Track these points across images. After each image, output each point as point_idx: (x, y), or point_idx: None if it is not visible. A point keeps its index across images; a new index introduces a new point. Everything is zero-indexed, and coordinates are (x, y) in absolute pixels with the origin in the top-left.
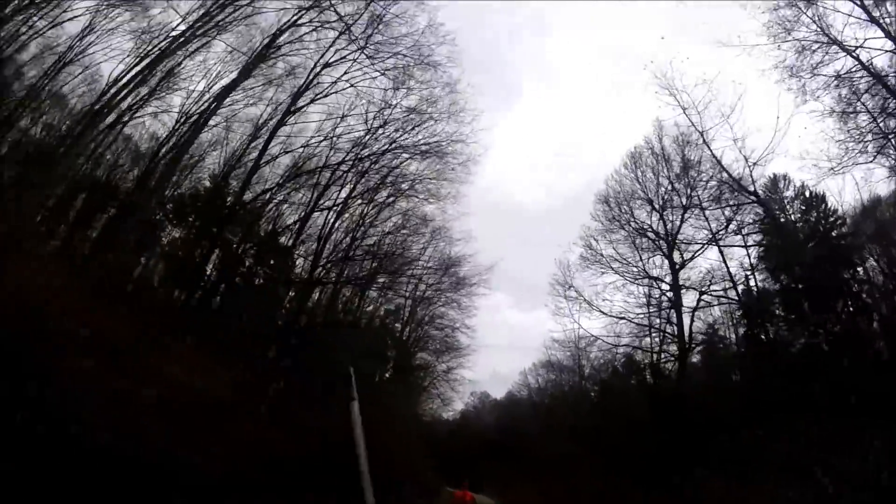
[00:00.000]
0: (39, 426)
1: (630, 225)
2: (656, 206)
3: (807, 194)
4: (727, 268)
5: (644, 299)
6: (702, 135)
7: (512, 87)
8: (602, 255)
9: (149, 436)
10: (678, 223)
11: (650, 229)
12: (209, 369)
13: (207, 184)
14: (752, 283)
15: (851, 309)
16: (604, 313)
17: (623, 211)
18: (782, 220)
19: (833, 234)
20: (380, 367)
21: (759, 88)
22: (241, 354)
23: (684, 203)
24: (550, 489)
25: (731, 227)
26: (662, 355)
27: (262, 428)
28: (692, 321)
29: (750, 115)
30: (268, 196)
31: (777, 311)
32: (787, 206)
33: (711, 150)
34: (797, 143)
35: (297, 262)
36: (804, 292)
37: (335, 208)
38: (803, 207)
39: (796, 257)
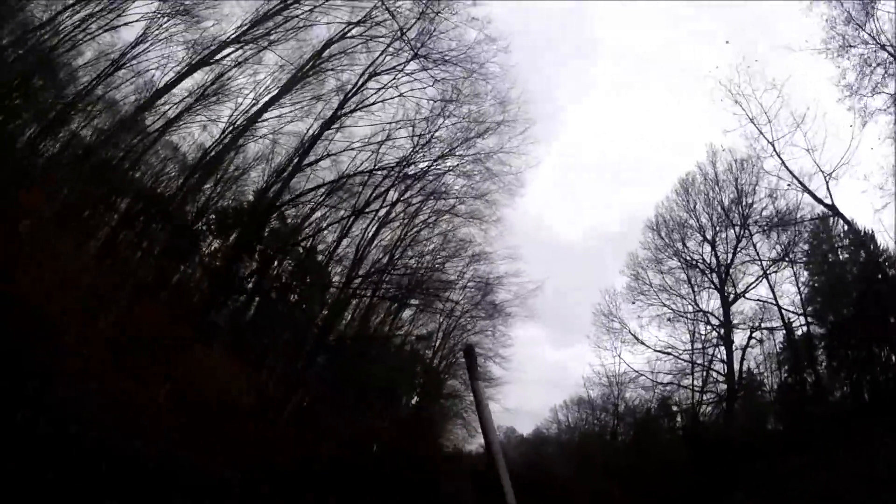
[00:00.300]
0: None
1: (681, 256)
2: (707, 237)
3: (857, 231)
4: (778, 306)
5: (689, 336)
6: (772, 145)
7: (554, 115)
8: (650, 284)
9: (152, 434)
10: (730, 255)
11: (701, 260)
12: (235, 374)
13: (250, 197)
14: (799, 322)
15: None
16: (648, 347)
17: (673, 240)
18: (830, 258)
19: (880, 275)
20: (408, 390)
21: (828, 96)
22: (270, 363)
23: (738, 233)
24: None
25: (785, 260)
26: (706, 395)
27: (283, 431)
28: (742, 360)
29: (818, 126)
30: (308, 209)
31: (820, 356)
32: (836, 244)
33: (782, 160)
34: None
35: (332, 277)
36: (848, 336)
37: (377, 219)
38: (852, 247)
39: (843, 298)
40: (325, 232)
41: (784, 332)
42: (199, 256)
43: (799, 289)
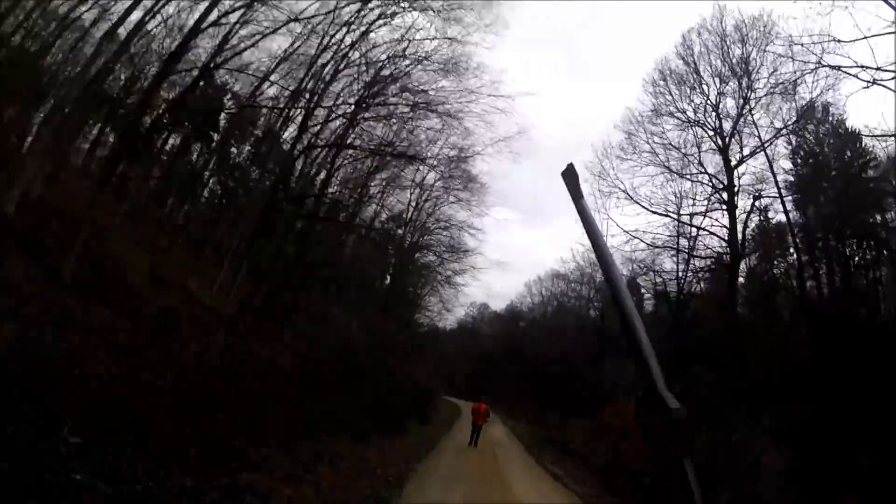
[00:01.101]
0: None
1: (683, 113)
2: (711, 97)
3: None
4: (775, 180)
5: (680, 202)
6: None
7: None
8: (648, 137)
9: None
10: (735, 117)
11: (703, 120)
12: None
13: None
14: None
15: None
16: (644, 208)
17: (674, 98)
18: (816, 150)
19: (864, 174)
20: (381, 272)
21: None
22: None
23: (743, 92)
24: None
25: (781, 135)
26: (700, 262)
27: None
28: (745, 226)
29: None
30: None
31: (791, 248)
32: (822, 138)
33: None
34: None
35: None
36: (826, 231)
37: (333, 61)
38: (837, 143)
39: (824, 193)
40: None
41: (782, 202)
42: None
43: (774, 175)
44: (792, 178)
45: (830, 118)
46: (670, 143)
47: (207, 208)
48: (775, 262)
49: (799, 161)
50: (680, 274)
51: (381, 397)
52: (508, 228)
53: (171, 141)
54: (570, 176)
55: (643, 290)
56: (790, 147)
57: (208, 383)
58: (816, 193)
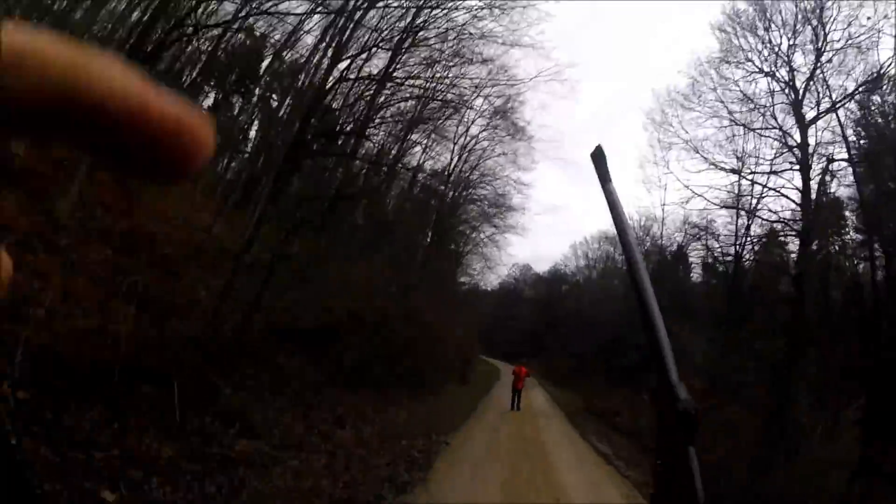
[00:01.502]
0: None
1: (751, 63)
2: (783, 47)
3: None
4: (847, 145)
5: (754, 158)
6: None
7: None
8: (715, 86)
9: None
10: (810, 70)
11: (775, 71)
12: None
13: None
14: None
15: None
16: (708, 161)
17: (741, 45)
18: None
19: None
20: (423, 228)
21: None
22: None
23: (819, 46)
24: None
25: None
26: (779, 227)
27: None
28: (820, 191)
29: None
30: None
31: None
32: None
33: None
34: None
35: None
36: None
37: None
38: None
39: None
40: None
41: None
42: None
43: (846, 140)
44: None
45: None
46: (741, 92)
47: (249, 163)
48: (830, 239)
49: (862, 132)
50: (740, 238)
51: (416, 356)
52: (556, 186)
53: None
54: (598, 158)
55: (691, 261)
56: (855, 115)
57: (211, 331)
58: (878, 170)
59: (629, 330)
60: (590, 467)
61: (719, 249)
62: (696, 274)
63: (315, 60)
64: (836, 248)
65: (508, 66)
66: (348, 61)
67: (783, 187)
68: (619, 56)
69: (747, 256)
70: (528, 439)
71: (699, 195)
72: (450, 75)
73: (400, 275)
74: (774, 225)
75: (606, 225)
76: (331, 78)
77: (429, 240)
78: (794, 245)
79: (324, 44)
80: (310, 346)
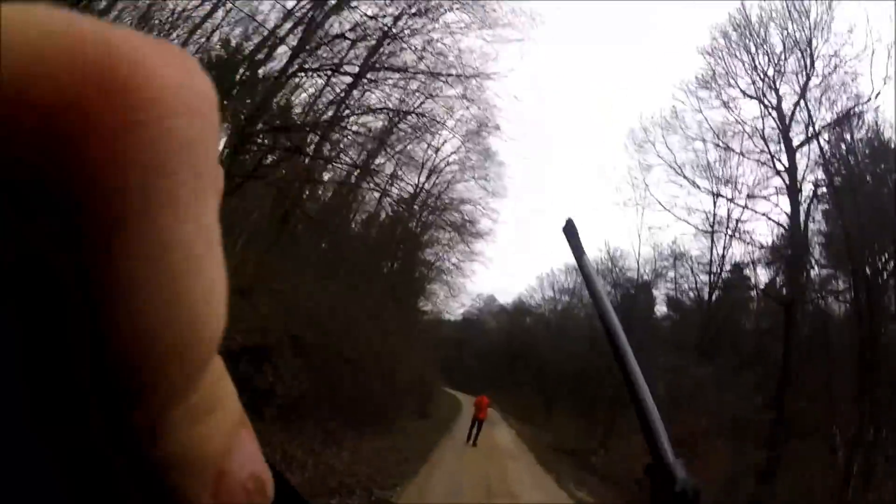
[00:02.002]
0: None
1: (737, 86)
2: (767, 73)
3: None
4: (827, 171)
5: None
6: None
7: None
8: (700, 108)
9: None
10: (796, 96)
11: (762, 96)
12: None
13: None
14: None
15: None
16: (694, 184)
17: (730, 70)
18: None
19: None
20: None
21: None
22: None
23: (807, 72)
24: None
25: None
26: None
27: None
28: (808, 217)
29: None
30: None
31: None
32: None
33: None
34: None
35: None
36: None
37: None
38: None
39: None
40: None
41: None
42: None
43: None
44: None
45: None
46: (727, 115)
47: None
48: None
49: (832, 168)
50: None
51: (367, 386)
52: (525, 217)
53: None
54: (570, 231)
55: (655, 294)
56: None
57: None
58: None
59: (601, 360)
60: None
61: (692, 278)
62: (660, 311)
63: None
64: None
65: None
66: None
67: (766, 214)
68: (599, 75)
69: (722, 285)
70: (496, 491)
71: (680, 218)
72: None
73: (357, 299)
74: (759, 251)
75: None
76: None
77: (393, 265)
78: (763, 275)
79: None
80: (232, 371)
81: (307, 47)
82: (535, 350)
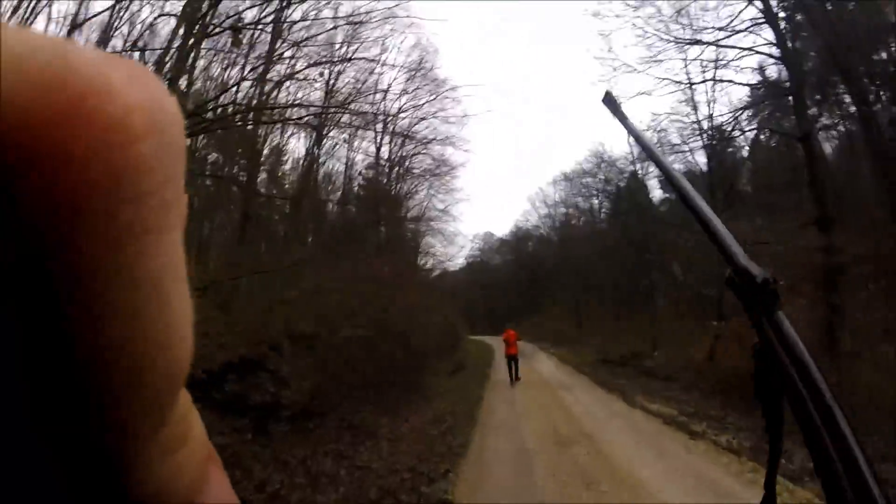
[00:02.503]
0: None
1: None
2: None
3: None
4: None
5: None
6: None
7: None
8: None
9: None
10: None
11: None
12: None
13: None
14: None
15: None
16: (671, 40)
17: None
18: None
19: None
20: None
21: None
22: None
23: None
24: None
25: None
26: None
27: None
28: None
29: None
30: None
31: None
32: None
33: None
34: None
35: None
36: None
37: None
38: None
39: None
40: None
41: None
42: None
43: None
44: None
45: None
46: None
47: None
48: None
49: None
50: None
51: (384, 361)
52: (499, 138)
53: None
54: (611, 102)
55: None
56: None
57: None
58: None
59: (614, 257)
60: (684, 454)
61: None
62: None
63: None
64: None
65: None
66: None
67: (751, 48)
68: None
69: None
70: (568, 436)
71: (663, 78)
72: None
73: (351, 276)
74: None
75: (562, 167)
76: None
77: (381, 229)
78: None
79: None
80: (218, 393)
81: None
82: (546, 270)
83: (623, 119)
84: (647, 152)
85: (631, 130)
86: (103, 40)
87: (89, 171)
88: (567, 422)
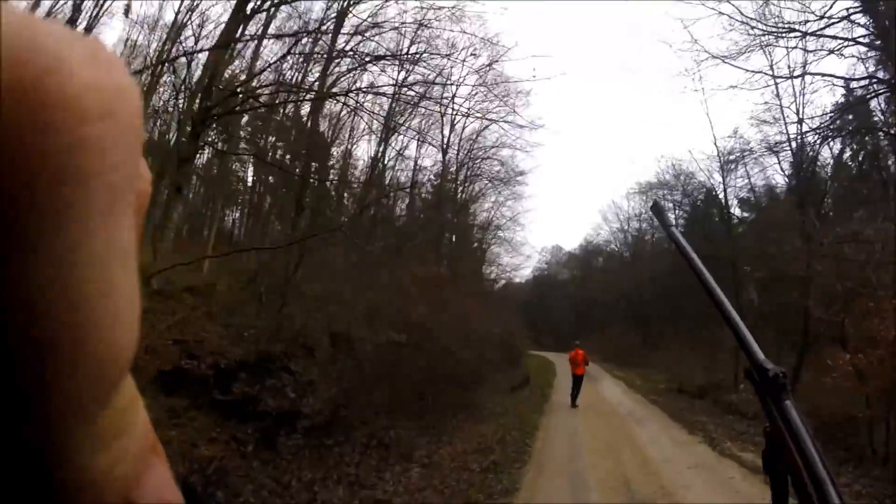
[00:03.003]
0: None
1: None
2: None
3: None
4: None
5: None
6: None
7: None
8: None
9: None
10: None
11: None
12: None
13: None
14: None
15: None
16: (769, 75)
17: None
18: None
19: None
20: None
21: None
22: None
23: None
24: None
25: None
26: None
27: None
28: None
29: None
30: None
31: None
32: None
33: None
34: None
35: None
36: None
37: None
38: None
39: None
40: None
41: None
42: None
43: None
44: None
45: None
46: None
47: None
48: None
49: None
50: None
51: (432, 371)
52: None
53: None
54: (658, 211)
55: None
56: None
57: None
58: None
59: (686, 274)
60: None
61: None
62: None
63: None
64: None
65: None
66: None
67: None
68: None
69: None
70: (642, 489)
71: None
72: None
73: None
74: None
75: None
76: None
77: (450, 238)
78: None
79: None
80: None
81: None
82: (615, 287)
83: (667, 228)
84: (686, 258)
85: (673, 237)
86: None
87: (35, 150)
88: (642, 471)
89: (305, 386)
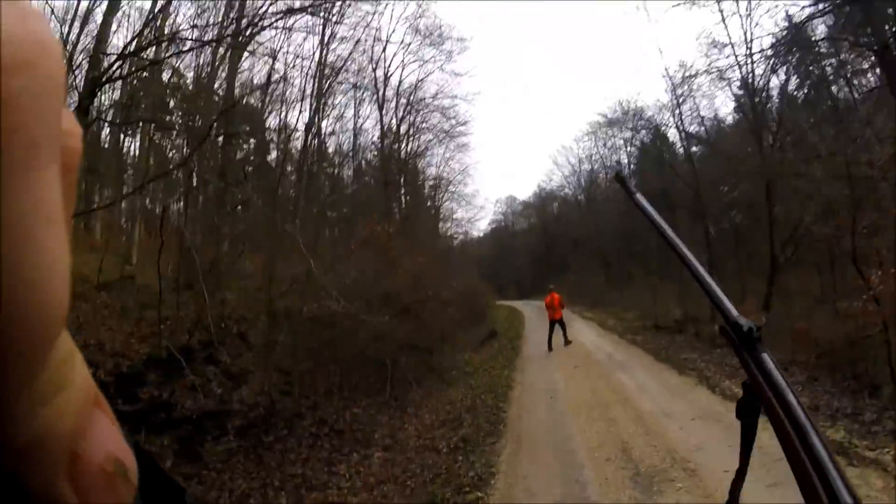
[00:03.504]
0: None
1: None
2: None
3: None
4: None
5: None
6: None
7: None
8: None
9: None
10: None
11: None
12: None
13: None
14: None
15: None
16: None
17: None
18: None
19: None
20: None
21: None
22: None
23: None
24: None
25: None
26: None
27: None
28: None
29: None
30: None
31: None
32: None
33: None
34: None
35: None
36: None
37: None
38: None
39: None
40: None
41: None
42: None
43: None
44: None
45: None
46: None
47: None
48: None
49: None
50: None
51: (394, 338)
52: (511, 92)
53: None
54: (622, 180)
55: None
56: None
57: None
58: None
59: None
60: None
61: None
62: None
63: None
64: None
65: None
66: None
67: None
68: None
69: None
70: (641, 452)
71: None
72: None
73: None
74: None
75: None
76: None
77: (403, 198)
78: None
79: None
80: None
81: None
82: (574, 231)
83: (632, 195)
84: (653, 224)
85: (639, 205)
86: None
87: None
88: (640, 431)
89: (237, 377)
